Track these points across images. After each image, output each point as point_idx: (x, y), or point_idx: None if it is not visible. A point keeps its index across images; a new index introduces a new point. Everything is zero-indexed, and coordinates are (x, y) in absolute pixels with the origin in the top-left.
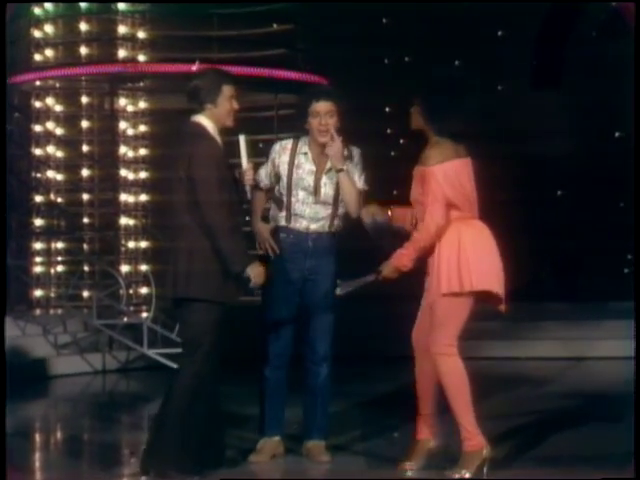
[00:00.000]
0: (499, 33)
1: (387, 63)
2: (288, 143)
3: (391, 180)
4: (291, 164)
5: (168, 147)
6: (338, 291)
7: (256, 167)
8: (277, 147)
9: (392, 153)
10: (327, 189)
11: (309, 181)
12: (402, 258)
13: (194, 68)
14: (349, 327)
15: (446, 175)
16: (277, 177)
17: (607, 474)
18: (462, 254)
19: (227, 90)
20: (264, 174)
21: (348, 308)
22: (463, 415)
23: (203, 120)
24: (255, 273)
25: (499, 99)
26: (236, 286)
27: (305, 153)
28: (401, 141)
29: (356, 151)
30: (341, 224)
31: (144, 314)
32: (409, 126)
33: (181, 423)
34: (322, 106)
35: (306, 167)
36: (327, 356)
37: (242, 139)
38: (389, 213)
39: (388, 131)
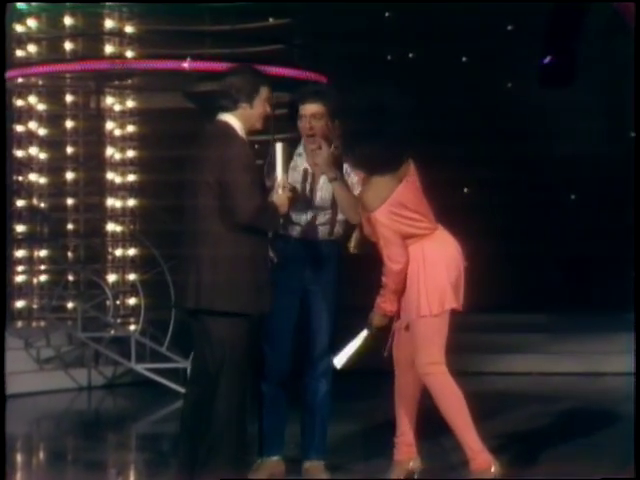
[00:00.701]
0: (508, 27)
1: (390, 59)
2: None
3: None
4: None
5: (159, 149)
6: (338, 365)
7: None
8: (272, 150)
9: None
10: (324, 192)
11: (305, 185)
12: (384, 306)
13: (185, 65)
14: (349, 341)
15: (390, 213)
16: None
17: (607, 474)
18: (429, 275)
19: (264, 92)
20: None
21: (349, 321)
22: (464, 434)
23: (232, 120)
24: (280, 202)
25: (505, 97)
26: (265, 297)
27: (300, 154)
28: None
29: None
30: (342, 231)
31: (132, 326)
32: None
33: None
34: (308, 108)
35: (301, 169)
36: (327, 372)
37: (279, 147)
38: None
39: None
